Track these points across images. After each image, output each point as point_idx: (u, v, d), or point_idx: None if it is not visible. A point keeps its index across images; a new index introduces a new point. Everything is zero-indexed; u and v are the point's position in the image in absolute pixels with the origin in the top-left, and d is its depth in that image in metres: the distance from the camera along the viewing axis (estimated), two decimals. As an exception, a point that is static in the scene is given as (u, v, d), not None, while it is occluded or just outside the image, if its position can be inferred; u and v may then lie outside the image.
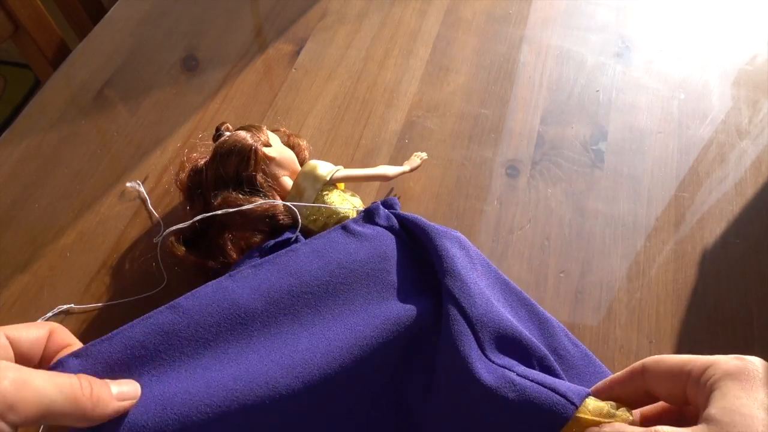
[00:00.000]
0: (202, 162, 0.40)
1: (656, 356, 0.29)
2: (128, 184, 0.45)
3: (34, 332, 0.27)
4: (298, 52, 0.55)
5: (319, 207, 0.39)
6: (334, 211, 0.38)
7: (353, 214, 0.39)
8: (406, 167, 0.44)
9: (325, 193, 0.39)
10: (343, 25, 0.58)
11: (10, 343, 0.26)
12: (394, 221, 0.38)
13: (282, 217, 0.38)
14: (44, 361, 0.28)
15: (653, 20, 0.59)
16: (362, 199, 0.44)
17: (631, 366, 0.29)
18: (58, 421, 0.25)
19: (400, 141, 0.49)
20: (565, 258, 0.43)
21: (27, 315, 0.39)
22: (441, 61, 0.55)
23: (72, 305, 0.40)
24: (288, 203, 0.38)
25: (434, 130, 0.50)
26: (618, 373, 0.30)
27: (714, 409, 0.24)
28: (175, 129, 0.49)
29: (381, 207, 0.38)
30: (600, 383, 0.31)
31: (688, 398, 0.27)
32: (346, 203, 0.39)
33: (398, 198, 0.43)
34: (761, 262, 0.44)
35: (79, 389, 0.25)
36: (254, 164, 0.38)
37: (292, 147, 0.44)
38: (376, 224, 0.37)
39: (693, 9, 0.61)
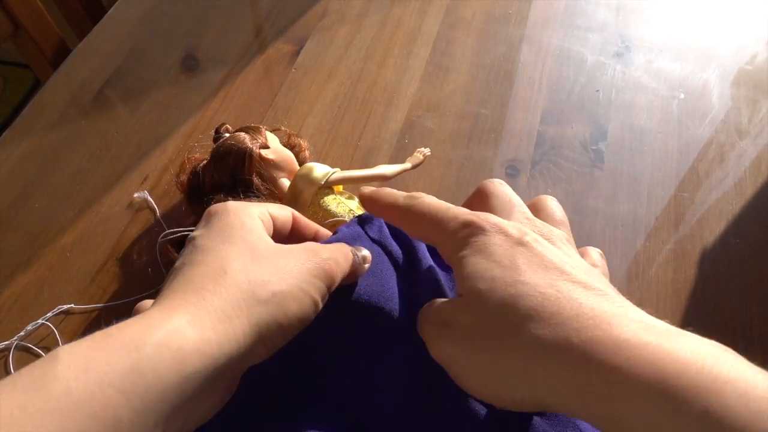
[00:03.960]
0: (202, 165, 0.40)
1: (419, 195, 0.28)
2: (136, 195, 0.45)
3: (284, 213, 0.30)
4: (298, 52, 0.55)
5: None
6: (331, 215, 0.38)
7: (350, 219, 0.38)
8: (407, 165, 0.43)
9: (320, 196, 0.38)
10: (343, 25, 0.58)
11: (272, 219, 0.29)
12: (386, 232, 0.36)
13: None
14: (290, 239, 0.31)
15: (653, 20, 0.59)
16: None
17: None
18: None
19: (400, 141, 0.49)
20: (565, 258, 0.43)
21: (27, 315, 0.39)
22: (441, 61, 0.55)
23: (72, 305, 0.40)
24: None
25: (434, 129, 0.50)
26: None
27: (460, 287, 0.25)
28: (175, 129, 0.49)
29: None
30: None
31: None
32: (342, 207, 0.38)
33: None
34: (761, 262, 0.44)
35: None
36: (249, 167, 0.38)
37: (292, 147, 0.44)
38: (366, 234, 0.36)
39: (692, 9, 0.61)
